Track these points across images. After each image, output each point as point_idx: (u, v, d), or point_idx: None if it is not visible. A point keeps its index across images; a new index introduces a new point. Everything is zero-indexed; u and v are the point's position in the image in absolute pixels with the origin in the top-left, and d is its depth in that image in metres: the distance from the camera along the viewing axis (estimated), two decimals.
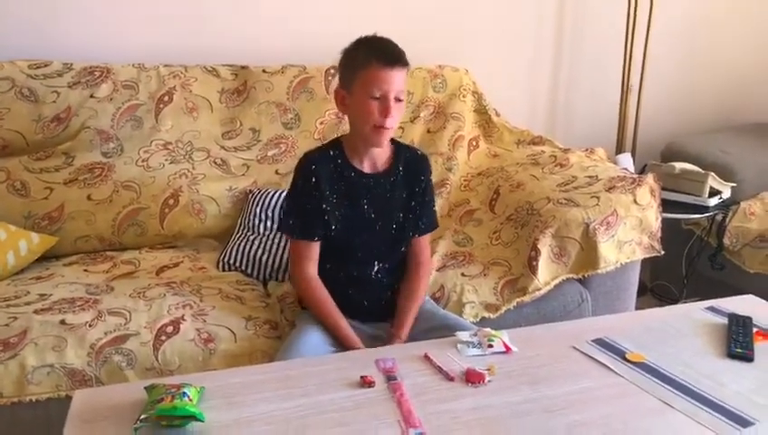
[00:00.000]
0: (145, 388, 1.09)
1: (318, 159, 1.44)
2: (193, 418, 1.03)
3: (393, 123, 1.38)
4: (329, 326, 1.42)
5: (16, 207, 1.83)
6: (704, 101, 2.87)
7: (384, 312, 1.50)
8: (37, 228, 1.82)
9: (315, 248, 1.46)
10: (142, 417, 1.02)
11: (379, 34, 1.42)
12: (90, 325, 1.45)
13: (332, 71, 2.12)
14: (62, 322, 1.46)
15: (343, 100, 1.42)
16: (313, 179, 1.42)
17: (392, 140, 1.51)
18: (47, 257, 1.82)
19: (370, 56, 1.36)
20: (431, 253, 1.82)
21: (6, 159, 1.86)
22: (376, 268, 1.49)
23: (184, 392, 1.06)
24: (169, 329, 1.48)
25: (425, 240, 1.56)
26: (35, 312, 1.48)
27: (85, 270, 1.76)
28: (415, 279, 1.51)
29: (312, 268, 1.46)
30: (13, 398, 1.37)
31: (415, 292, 1.49)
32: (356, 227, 1.45)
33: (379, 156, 1.47)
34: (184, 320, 1.51)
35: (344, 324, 1.41)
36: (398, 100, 1.37)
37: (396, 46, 1.39)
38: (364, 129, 1.39)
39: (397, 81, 1.35)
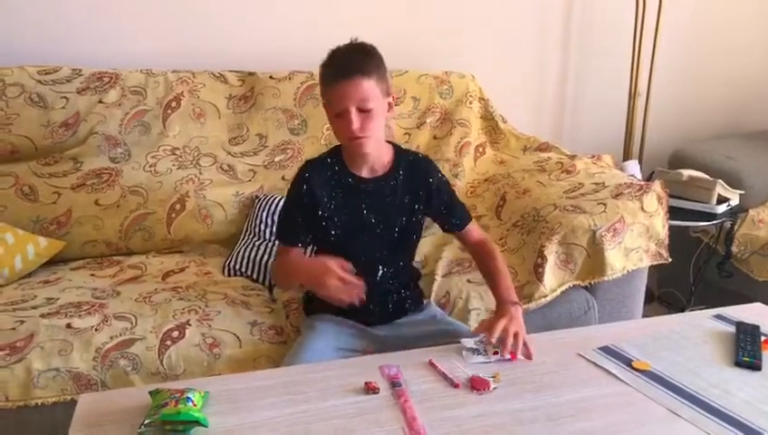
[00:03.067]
0: (149, 392, 1.09)
1: (314, 167, 1.44)
2: (197, 423, 1.03)
3: (367, 132, 1.34)
4: (294, 268, 1.40)
5: (24, 211, 1.84)
6: (712, 108, 2.86)
7: (391, 314, 1.50)
8: (45, 233, 1.84)
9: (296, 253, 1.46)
10: (146, 422, 1.02)
11: (357, 39, 1.38)
12: (96, 330, 1.46)
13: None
14: (69, 326, 1.46)
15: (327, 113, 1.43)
16: (304, 187, 1.41)
17: (393, 145, 1.51)
18: (54, 262, 1.83)
19: (326, 74, 1.35)
20: (438, 258, 1.83)
21: (15, 163, 1.87)
22: (380, 273, 1.49)
23: (188, 397, 1.06)
24: (175, 334, 1.48)
25: (470, 232, 1.52)
26: (42, 316, 1.49)
27: (92, 274, 1.77)
28: (487, 260, 1.47)
29: None
30: (19, 401, 1.38)
31: (495, 270, 1.44)
32: (356, 231, 1.45)
33: (378, 160, 1.45)
34: (189, 325, 1.51)
35: (301, 255, 1.42)
36: (362, 110, 1.32)
37: (352, 55, 1.34)
38: (343, 143, 1.41)
39: (353, 92, 1.31)
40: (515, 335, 1.27)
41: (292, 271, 1.43)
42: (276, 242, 1.82)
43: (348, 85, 1.31)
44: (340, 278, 1.26)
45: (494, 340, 1.27)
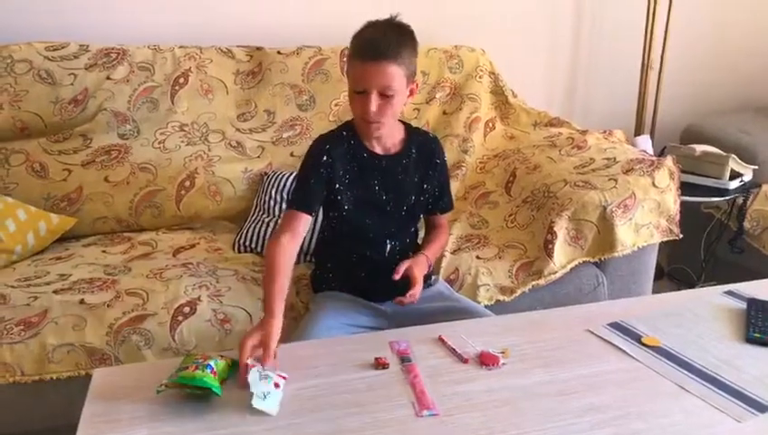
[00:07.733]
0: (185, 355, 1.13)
1: (331, 140, 1.43)
2: (210, 390, 1.04)
3: (382, 117, 1.34)
4: (264, 289, 1.27)
5: (36, 188, 1.85)
6: (727, 81, 2.81)
7: (398, 291, 1.50)
8: (56, 209, 1.85)
9: (303, 223, 1.38)
10: (165, 381, 1.04)
11: (390, 17, 1.36)
12: (108, 305, 1.47)
13: (347, 52, 2.11)
14: (82, 301, 1.48)
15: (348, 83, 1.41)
16: (324, 158, 1.40)
17: (403, 123, 1.50)
18: (66, 238, 1.85)
19: (355, 50, 1.33)
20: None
21: (25, 140, 1.88)
22: (388, 248, 1.49)
23: (209, 364, 1.07)
24: (186, 310, 1.50)
25: (443, 218, 1.59)
26: (55, 292, 1.51)
27: (103, 251, 1.78)
28: (434, 232, 1.58)
29: (290, 238, 1.34)
30: (34, 376, 1.40)
31: (436, 238, 1.56)
32: (368, 207, 1.45)
33: (390, 139, 1.45)
34: (200, 301, 1.52)
35: (276, 291, 1.24)
36: (383, 95, 1.31)
37: (383, 39, 1.30)
38: (357, 120, 1.40)
39: (377, 76, 1.30)
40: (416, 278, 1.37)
41: (267, 279, 1.27)
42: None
43: (374, 68, 1.29)
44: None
45: (397, 277, 1.37)
